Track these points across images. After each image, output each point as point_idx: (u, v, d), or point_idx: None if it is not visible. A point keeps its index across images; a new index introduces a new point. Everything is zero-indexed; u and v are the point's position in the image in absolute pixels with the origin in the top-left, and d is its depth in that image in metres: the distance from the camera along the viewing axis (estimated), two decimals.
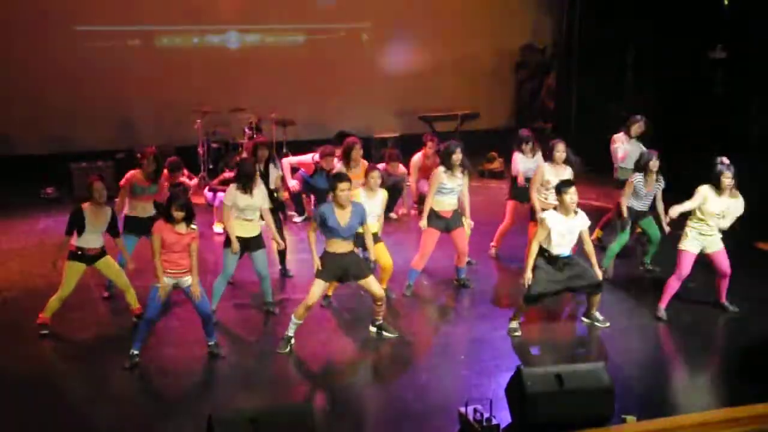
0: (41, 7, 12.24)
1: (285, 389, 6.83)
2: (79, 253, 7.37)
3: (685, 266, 7.79)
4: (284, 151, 12.52)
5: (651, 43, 12.25)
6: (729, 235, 7.81)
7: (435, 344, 7.58)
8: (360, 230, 7.21)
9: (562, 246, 7.30)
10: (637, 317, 8.15)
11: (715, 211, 7.60)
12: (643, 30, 12.40)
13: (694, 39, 11.60)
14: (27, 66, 12.22)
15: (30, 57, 12.22)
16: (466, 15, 14.20)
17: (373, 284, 7.21)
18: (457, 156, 8.13)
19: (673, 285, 7.88)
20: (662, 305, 7.93)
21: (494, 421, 5.77)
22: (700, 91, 11.68)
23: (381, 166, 9.51)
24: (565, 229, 7.26)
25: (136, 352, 6.92)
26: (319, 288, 7.09)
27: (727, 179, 7.52)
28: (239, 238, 7.68)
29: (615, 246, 8.88)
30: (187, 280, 6.89)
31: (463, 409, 5.93)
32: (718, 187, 7.57)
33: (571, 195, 7.22)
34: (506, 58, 14.84)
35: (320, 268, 7.05)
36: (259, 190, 7.74)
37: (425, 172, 10.39)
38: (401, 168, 10.63)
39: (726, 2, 11.56)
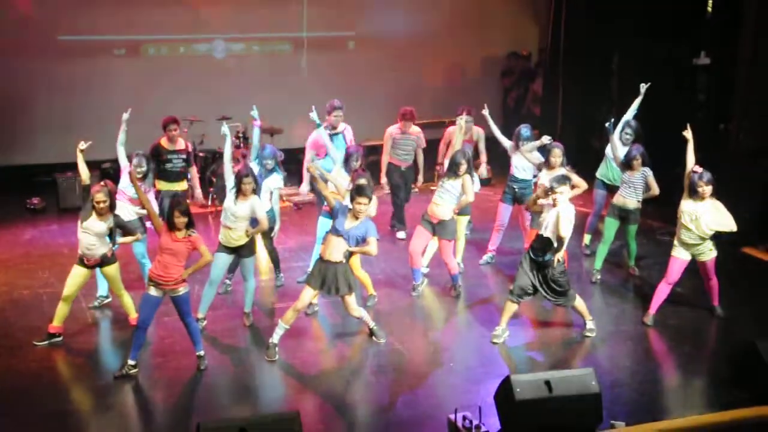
0: (25, 17, 12.18)
1: (273, 398, 6.82)
2: (82, 259, 7.41)
3: (674, 272, 7.82)
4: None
5: (636, 49, 12.31)
6: (716, 241, 7.84)
7: (424, 351, 7.57)
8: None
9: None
10: (625, 322, 8.18)
11: (685, 210, 7.63)
12: (628, 36, 12.46)
13: (678, 45, 11.67)
14: (11, 76, 12.15)
15: (14, 67, 12.14)
16: (451, 22, 14.23)
17: (350, 304, 7.30)
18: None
19: (663, 290, 7.92)
20: (651, 312, 7.95)
21: (483, 428, 5.76)
22: (684, 97, 11.74)
23: (396, 126, 9.94)
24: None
25: (132, 362, 6.90)
26: (308, 293, 7.19)
27: (701, 188, 7.53)
28: (228, 248, 7.68)
29: (602, 246, 8.95)
30: (177, 290, 6.87)
31: (452, 417, 5.92)
32: (695, 195, 7.59)
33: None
34: (492, 65, 14.89)
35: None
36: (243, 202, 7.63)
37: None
38: (414, 128, 10.24)
39: (710, 9, 11.64)
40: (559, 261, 7.32)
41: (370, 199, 7.18)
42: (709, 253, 7.77)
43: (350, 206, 7.20)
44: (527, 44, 14.98)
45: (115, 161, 12.37)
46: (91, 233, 7.31)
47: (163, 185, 9.04)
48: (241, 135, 12.15)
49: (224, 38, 13.43)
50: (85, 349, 7.51)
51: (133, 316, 7.61)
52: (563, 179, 7.31)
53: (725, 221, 7.58)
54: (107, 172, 12.52)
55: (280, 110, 12.93)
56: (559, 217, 7.13)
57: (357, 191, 7.15)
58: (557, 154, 8.59)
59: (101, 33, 12.66)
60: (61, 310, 7.44)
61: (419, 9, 14.12)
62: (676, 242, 7.81)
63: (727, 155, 10.59)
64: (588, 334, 7.70)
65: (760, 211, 10.02)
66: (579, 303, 7.64)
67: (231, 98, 12.88)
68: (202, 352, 7.06)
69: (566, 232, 7.15)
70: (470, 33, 14.37)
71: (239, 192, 7.55)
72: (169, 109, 12.25)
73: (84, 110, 12.48)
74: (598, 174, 9.68)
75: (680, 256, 7.78)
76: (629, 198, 8.73)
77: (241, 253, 7.72)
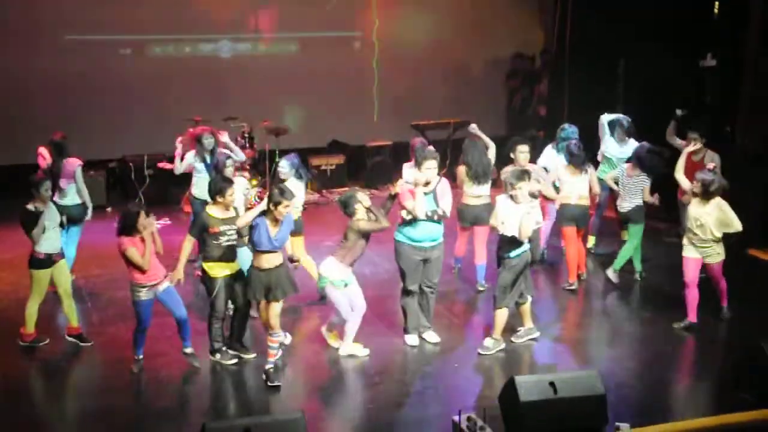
0: (32, 16, 12.23)
1: (278, 398, 6.81)
2: (46, 259, 7.36)
3: (689, 272, 7.76)
4: (277, 160, 12.51)
5: (642, 51, 12.29)
6: (725, 243, 7.80)
7: (428, 352, 7.56)
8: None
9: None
10: (630, 324, 8.17)
11: (691, 214, 7.64)
12: (634, 38, 12.44)
13: (684, 47, 11.64)
14: (18, 75, 12.20)
15: (21, 66, 12.20)
16: (456, 24, 14.25)
17: (276, 309, 6.80)
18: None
19: (690, 294, 7.82)
20: (691, 319, 7.84)
21: (487, 430, 5.75)
22: (690, 99, 11.71)
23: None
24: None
25: (140, 356, 6.98)
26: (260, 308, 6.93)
27: (697, 187, 7.57)
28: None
29: (628, 248, 8.96)
30: (163, 284, 6.87)
31: (456, 418, 5.91)
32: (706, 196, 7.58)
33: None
34: (497, 66, 14.89)
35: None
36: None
37: None
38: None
39: (716, 11, 11.61)
40: (511, 267, 7.18)
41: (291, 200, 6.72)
42: (716, 257, 7.73)
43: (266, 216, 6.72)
44: (533, 46, 14.99)
45: (121, 161, 12.53)
46: (52, 227, 7.34)
47: (215, 268, 7.04)
48: (246, 135, 12.16)
49: (230, 38, 13.46)
50: (90, 350, 7.51)
51: (75, 324, 7.58)
52: (521, 174, 7.21)
53: (730, 222, 7.55)
54: (113, 170, 12.59)
55: (285, 110, 12.98)
56: (522, 218, 7.06)
57: (282, 195, 6.61)
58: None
59: (108, 32, 12.70)
60: (34, 315, 7.42)
61: (425, 10, 14.13)
62: (685, 241, 7.79)
63: (733, 157, 10.56)
64: (481, 351, 7.39)
65: (767, 213, 10.00)
66: (502, 315, 7.37)
67: (236, 98, 12.91)
68: (189, 350, 7.08)
69: (527, 232, 7.07)
70: (475, 34, 14.38)
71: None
72: (174, 108, 12.34)
73: (89, 109, 12.52)
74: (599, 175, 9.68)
75: (691, 254, 7.73)
76: (625, 202, 8.83)
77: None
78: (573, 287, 8.85)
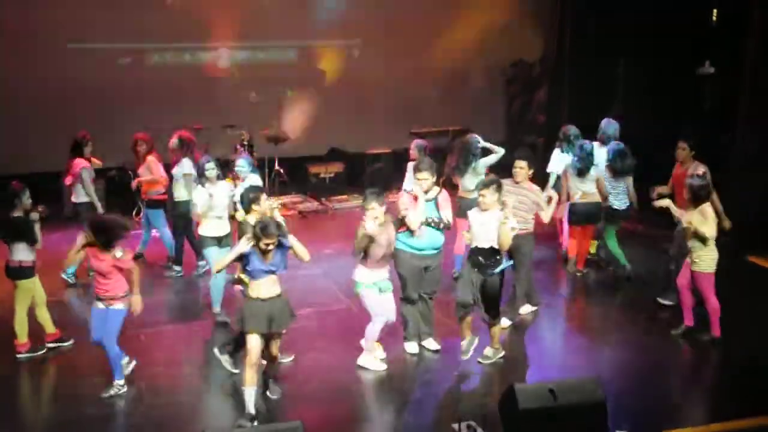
0: (32, 25, 12.24)
1: (278, 406, 6.80)
2: (33, 266, 7.39)
3: (681, 274, 7.76)
4: (276, 167, 12.54)
5: (641, 58, 12.33)
6: (721, 248, 7.79)
7: (428, 359, 7.56)
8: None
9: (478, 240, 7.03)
10: (630, 331, 8.16)
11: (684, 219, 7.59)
12: (633, 46, 12.49)
13: (683, 55, 11.68)
14: (18, 84, 12.20)
15: (21, 75, 12.20)
16: (456, 31, 14.26)
17: (276, 343, 6.54)
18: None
19: (681, 296, 7.82)
20: (687, 323, 7.84)
21: None
22: (688, 107, 11.75)
23: None
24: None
25: (119, 380, 6.83)
26: (256, 340, 6.31)
27: (686, 193, 7.57)
28: (214, 238, 7.96)
29: (611, 243, 9.11)
30: (116, 305, 6.70)
31: (455, 426, 5.91)
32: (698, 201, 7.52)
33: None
34: (497, 73, 14.91)
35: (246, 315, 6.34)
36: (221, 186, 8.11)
37: None
38: None
39: (714, 18, 11.66)
40: (496, 283, 7.03)
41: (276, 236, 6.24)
42: (699, 264, 7.52)
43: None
44: (532, 52, 15.00)
45: (120, 169, 12.53)
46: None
47: None
48: (245, 143, 12.18)
49: (229, 46, 13.48)
50: (89, 358, 7.50)
51: (52, 331, 7.51)
52: (490, 182, 7.00)
53: (704, 228, 7.37)
54: (112, 179, 12.57)
55: (284, 118, 12.99)
56: (499, 227, 6.82)
57: (263, 232, 6.14)
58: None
59: (107, 41, 12.72)
60: (24, 325, 7.39)
61: (424, 17, 14.15)
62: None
63: (731, 163, 10.59)
64: (481, 360, 7.35)
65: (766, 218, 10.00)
66: (497, 328, 7.36)
67: (235, 106, 12.93)
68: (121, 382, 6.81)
69: (507, 240, 6.83)
70: (475, 41, 14.39)
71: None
72: (174, 117, 12.35)
73: (88, 118, 12.49)
74: None
75: (687, 259, 7.73)
76: (619, 202, 8.98)
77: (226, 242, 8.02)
78: (583, 272, 9.23)
